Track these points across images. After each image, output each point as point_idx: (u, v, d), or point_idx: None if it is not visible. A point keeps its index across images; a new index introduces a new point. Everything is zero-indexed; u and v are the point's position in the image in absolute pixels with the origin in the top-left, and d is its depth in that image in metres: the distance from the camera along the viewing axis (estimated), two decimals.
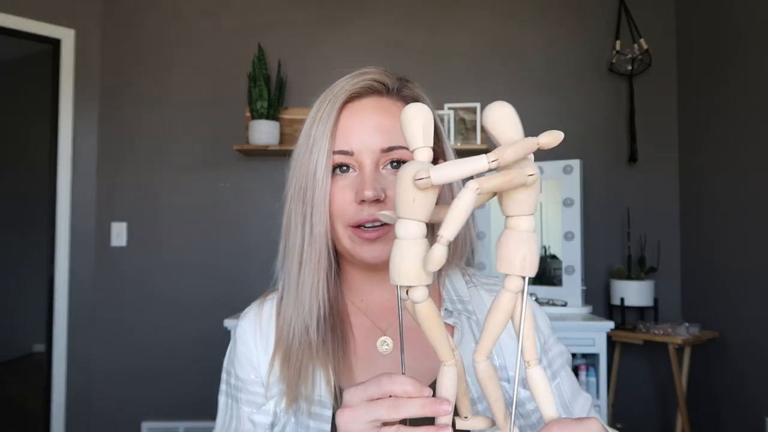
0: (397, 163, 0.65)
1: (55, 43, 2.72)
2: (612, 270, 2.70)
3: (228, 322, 2.22)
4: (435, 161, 0.69)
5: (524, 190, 0.40)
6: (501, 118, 0.39)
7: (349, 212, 0.63)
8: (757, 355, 2.21)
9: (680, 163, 2.79)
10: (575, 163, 2.54)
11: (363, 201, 0.62)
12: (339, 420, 0.44)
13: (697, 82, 2.67)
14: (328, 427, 0.63)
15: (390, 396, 0.43)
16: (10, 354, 4.77)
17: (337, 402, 0.64)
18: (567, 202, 2.54)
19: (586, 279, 2.63)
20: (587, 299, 2.63)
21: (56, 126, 2.73)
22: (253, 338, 0.72)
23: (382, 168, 0.65)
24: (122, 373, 2.75)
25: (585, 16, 2.84)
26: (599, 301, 2.75)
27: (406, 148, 0.64)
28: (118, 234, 2.78)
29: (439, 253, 0.37)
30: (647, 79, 2.79)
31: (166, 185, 2.81)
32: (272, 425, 0.68)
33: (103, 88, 2.83)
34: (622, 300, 2.54)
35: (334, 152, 0.64)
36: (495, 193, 0.41)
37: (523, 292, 0.41)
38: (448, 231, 0.37)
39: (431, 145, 0.41)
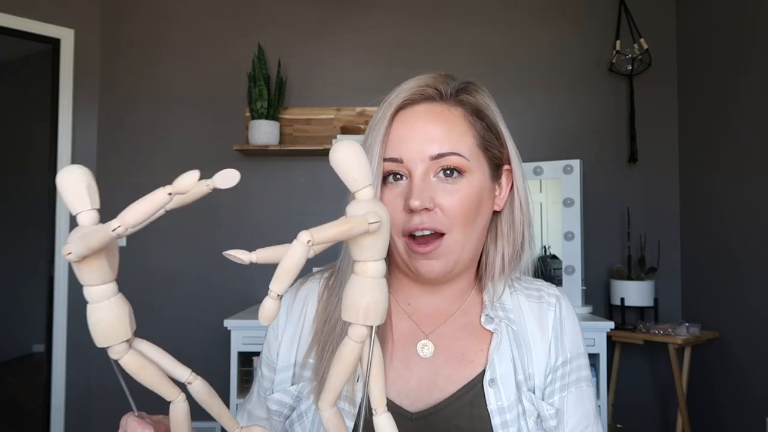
0: (450, 171, 0.64)
1: (54, 43, 2.72)
2: (612, 270, 2.70)
3: (228, 323, 2.21)
4: (498, 169, 0.69)
5: (369, 236, 0.38)
6: (342, 159, 0.39)
7: (401, 221, 0.64)
8: (758, 355, 2.21)
9: (680, 163, 2.78)
10: (575, 163, 2.54)
11: (412, 210, 0.63)
12: None
13: (696, 82, 2.67)
14: (351, 423, 0.63)
15: None
16: (10, 354, 4.76)
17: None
18: (567, 202, 2.54)
19: (586, 279, 2.63)
20: (587, 299, 2.62)
21: (56, 126, 2.72)
22: (276, 324, 0.74)
23: (433, 176, 0.64)
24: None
25: (585, 16, 2.84)
26: (599, 301, 2.75)
27: (459, 154, 0.64)
28: None
29: (270, 306, 0.35)
30: (647, 79, 2.79)
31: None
32: (291, 408, 0.69)
33: (102, 87, 2.82)
34: (622, 300, 2.54)
35: (385, 160, 0.64)
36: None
37: (370, 339, 0.40)
38: (279, 286, 0.35)
39: (96, 207, 0.37)
